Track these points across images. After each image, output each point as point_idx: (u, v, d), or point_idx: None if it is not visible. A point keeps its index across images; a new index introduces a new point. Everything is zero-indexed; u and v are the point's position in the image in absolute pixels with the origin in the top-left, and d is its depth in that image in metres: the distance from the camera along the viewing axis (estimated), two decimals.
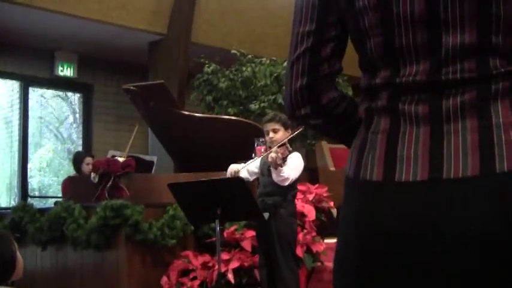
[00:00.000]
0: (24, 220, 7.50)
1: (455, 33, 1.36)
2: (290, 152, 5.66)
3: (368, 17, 1.46)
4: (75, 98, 12.81)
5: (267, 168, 5.69)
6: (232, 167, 5.79)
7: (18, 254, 3.36)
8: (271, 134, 5.72)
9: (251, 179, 5.92)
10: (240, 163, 5.85)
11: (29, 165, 11.88)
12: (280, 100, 9.54)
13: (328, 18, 1.57)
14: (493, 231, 1.27)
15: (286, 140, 5.63)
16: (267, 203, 5.66)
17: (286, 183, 5.58)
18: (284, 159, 5.49)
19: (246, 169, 5.83)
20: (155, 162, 8.54)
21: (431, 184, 1.34)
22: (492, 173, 1.29)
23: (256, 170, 5.85)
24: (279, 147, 5.50)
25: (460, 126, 1.34)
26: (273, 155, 5.37)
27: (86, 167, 8.51)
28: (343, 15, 1.54)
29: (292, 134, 5.73)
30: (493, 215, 1.27)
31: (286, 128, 5.74)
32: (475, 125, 1.33)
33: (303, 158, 5.89)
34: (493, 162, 1.29)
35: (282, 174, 5.50)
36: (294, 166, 5.61)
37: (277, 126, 5.73)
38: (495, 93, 1.33)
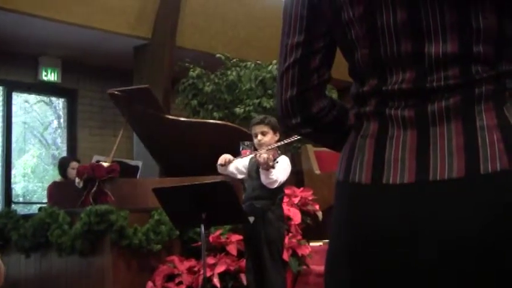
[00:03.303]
0: (8, 227, 7.47)
1: (438, 43, 1.38)
2: (279, 155, 5.66)
3: (354, 28, 1.49)
4: (59, 103, 12.76)
5: (255, 171, 5.68)
6: (226, 155, 5.75)
7: (0, 261, 3.32)
8: (259, 137, 5.71)
9: (239, 176, 5.90)
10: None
11: (13, 171, 11.81)
12: (265, 104, 9.55)
13: (316, 29, 1.59)
14: (478, 231, 1.28)
15: (281, 144, 5.64)
16: (255, 206, 5.64)
17: (275, 186, 5.58)
18: (275, 161, 5.48)
19: (235, 166, 5.82)
20: (140, 167, 8.52)
21: (418, 186, 1.36)
22: (477, 174, 1.31)
23: (244, 170, 5.84)
24: (269, 150, 5.49)
25: (446, 130, 1.36)
26: (265, 155, 5.35)
27: (72, 172, 8.47)
28: (331, 27, 1.57)
29: (288, 140, 5.70)
30: (478, 215, 1.29)
31: (275, 131, 5.74)
32: (460, 127, 1.35)
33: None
34: (478, 163, 1.31)
35: (271, 177, 5.50)
36: (282, 168, 5.61)
37: (266, 128, 5.73)
38: (479, 97, 1.36)
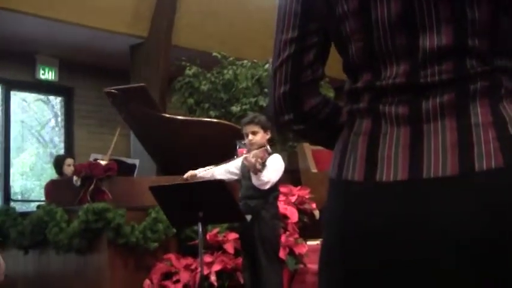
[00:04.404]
0: (6, 224, 7.48)
1: (432, 36, 1.37)
2: (270, 154, 5.65)
3: (348, 22, 1.48)
4: (56, 101, 12.76)
5: (247, 171, 5.68)
6: (190, 172, 5.90)
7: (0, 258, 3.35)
8: (250, 136, 5.71)
9: (233, 178, 5.92)
10: (220, 165, 5.88)
11: (12, 170, 11.81)
12: (261, 102, 9.55)
13: (310, 25, 1.58)
14: (472, 230, 1.28)
15: (262, 149, 5.61)
16: (249, 205, 5.65)
17: (267, 187, 5.58)
18: (263, 164, 5.48)
19: (226, 169, 5.84)
20: (137, 165, 8.53)
21: (412, 184, 1.35)
22: (471, 172, 1.30)
23: (237, 171, 5.85)
24: (258, 151, 5.49)
25: (440, 126, 1.35)
26: (251, 159, 5.36)
27: (68, 168, 8.49)
28: (325, 22, 1.56)
29: (266, 146, 5.69)
30: (472, 213, 1.28)
31: (265, 130, 5.73)
32: (454, 124, 1.34)
33: (284, 160, 5.89)
34: (472, 161, 1.30)
35: (261, 179, 5.50)
36: (274, 169, 5.60)
37: (256, 128, 5.72)
38: (473, 93, 1.35)
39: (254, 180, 5.54)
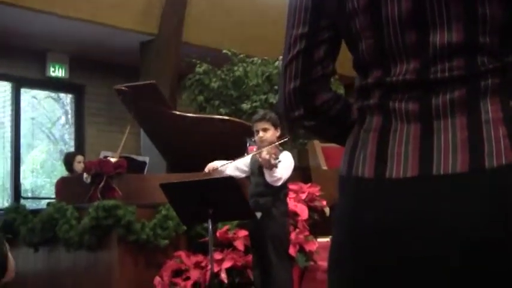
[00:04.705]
0: (17, 221, 7.49)
1: (443, 33, 1.37)
2: (280, 152, 5.65)
3: (358, 19, 1.48)
4: (67, 98, 12.78)
5: (257, 168, 5.68)
6: (211, 164, 5.81)
7: (9, 255, 3.35)
8: (261, 133, 5.70)
9: (242, 175, 5.91)
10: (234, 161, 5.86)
11: (22, 167, 11.85)
12: (271, 99, 9.55)
13: (320, 20, 1.57)
14: (480, 227, 1.28)
15: (275, 144, 5.61)
16: (259, 202, 5.64)
17: (279, 184, 5.57)
18: (277, 160, 5.48)
19: (235, 166, 5.83)
20: (147, 162, 8.54)
21: (421, 180, 1.35)
22: (481, 169, 1.29)
23: (246, 168, 5.84)
24: (270, 148, 5.49)
25: (450, 123, 1.35)
26: (265, 155, 5.35)
27: (78, 166, 8.52)
28: (336, 18, 1.55)
29: (278, 141, 5.68)
30: (482, 210, 1.28)
31: (276, 127, 5.72)
32: (465, 121, 1.34)
33: (294, 157, 5.88)
34: (482, 158, 1.30)
35: (275, 175, 5.49)
36: (285, 166, 5.60)
37: (267, 125, 5.71)
38: (484, 90, 1.34)
39: (267, 177, 5.52)
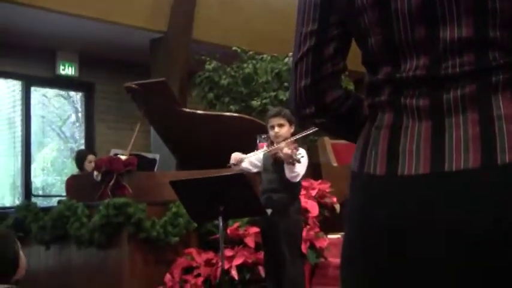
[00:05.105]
0: (28, 219, 7.52)
1: (453, 28, 1.36)
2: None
3: (367, 15, 1.48)
4: (77, 97, 12.81)
5: (271, 165, 5.67)
6: (236, 154, 5.77)
7: (21, 252, 3.37)
8: (276, 129, 5.69)
9: (254, 170, 5.90)
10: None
11: (33, 165, 11.89)
12: (281, 96, 9.55)
13: (330, 17, 1.57)
14: (495, 223, 1.27)
15: (299, 136, 5.61)
16: (272, 198, 5.63)
17: (297, 179, 5.57)
18: (299, 155, 5.46)
19: (249, 161, 5.82)
20: (158, 160, 8.54)
21: (434, 177, 1.34)
22: (493, 164, 1.29)
23: (259, 164, 5.83)
24: (288, 143, 5.47)
25: (461, 119, 1.34)
26: (287, 150, 5.33)
27: (89, 165, 8.54)
28: (345, 15, 1.55)
29: (306, 132, 5.65)
30: (495, 206, 1.27)
31: (290, 123, 5.71)
32: (476, 117, 1.33)
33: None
34: (495, 154, 1.29)
35: (295, 170, 5.47)
36: (302, 163, 5.59)
37: (282, 121, 5.70)
38: (495, 85, 1.33)
39: (288, 173, 5.49)
